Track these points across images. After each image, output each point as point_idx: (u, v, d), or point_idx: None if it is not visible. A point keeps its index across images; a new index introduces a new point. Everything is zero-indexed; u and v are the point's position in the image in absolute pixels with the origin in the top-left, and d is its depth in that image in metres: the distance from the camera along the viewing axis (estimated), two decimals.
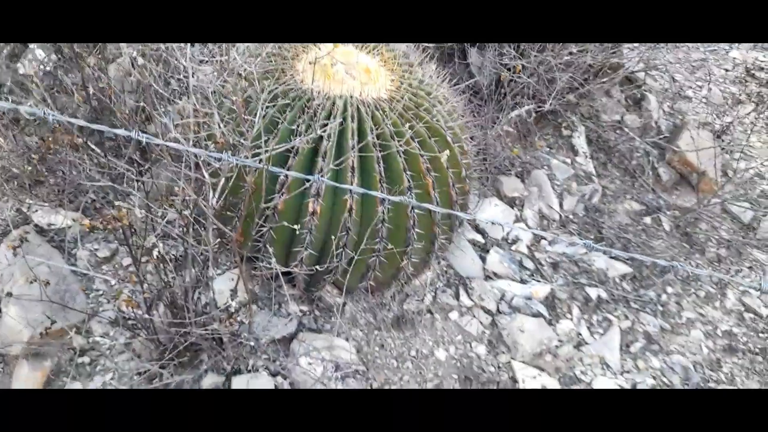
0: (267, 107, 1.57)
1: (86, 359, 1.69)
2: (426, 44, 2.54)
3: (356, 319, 1.91)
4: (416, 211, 1.67)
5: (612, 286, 2.20)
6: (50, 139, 1.54)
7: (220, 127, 1.38)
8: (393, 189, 1.60)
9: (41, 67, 2.26)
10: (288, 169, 1.56)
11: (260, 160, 1.27)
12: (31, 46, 2.29)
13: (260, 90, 1.49)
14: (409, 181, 1.64)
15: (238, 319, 1.81)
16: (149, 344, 1.68)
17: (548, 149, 2.68)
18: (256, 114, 1.34)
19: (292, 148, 1.52)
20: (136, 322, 1.71)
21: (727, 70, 3.40)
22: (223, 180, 1.36)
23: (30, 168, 1.81)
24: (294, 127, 1.57)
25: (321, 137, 1.58)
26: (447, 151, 1.61)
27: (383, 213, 1.63)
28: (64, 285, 1.79)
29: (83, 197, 2.01)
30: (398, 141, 1.62)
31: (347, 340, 1.85)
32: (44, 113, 1.19)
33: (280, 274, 1.69)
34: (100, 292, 1.84)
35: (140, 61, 1.93)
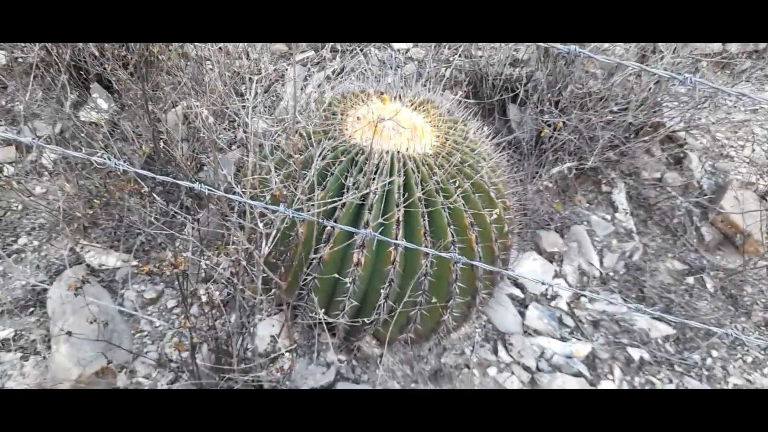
0: (319, 160, 1.63)
1: None
2: (468, 101, 2.61)
3: (394, 371, 1.91)
4: (459, 265, 1.68)
5: (654, 348, 2.15)
6: (114, 185, 1.62)
7: (275, 181, 1.43)
8: (437, 243, 1.62)
9: (102, 114, 2.38)
10: (335, 221, 1.61)
11: (313, 213, 1.31)
12: (94, 95, 2.42)
13: (314, 144, 1.55)
14: (452, 235, 1.66)
15: (279, 365, 1.83)
16: (191, 388, 1.70)
17: (588, 205, 2.67)
18: (309, 169, 1.39)
19: (341, 201, 1.57)
20: (179, 365, 1.74)
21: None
22: (275, 231, 1.40)
23: (91, 211, 1.90)
24: (343, 181, 1.61)
25: (368, 192, 1.63)
26: (496, 210, 1.64)
27: (426, 266, 1.64)
28: (112, 325, 1.84)
29: (134, 240, 2.08)
30: (444, 196, 1.65)
31: None
32: (115, 164, 1.26)
33: (323, 322, 1.71)
34: (145, 333, 1.88)
35: (204, 112, 2.03)
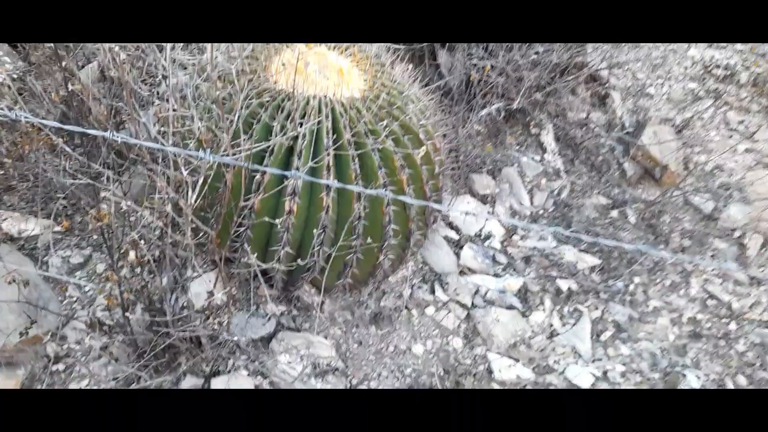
0: (243, 107, 1.58)
1: (60, 366, 1.67)
2: (396, 45, 2.58)
3: (334, 317, 1.93)
4: (392, 207, 1.70)
5: (582, 278, 2.27)
6: (24, 141, 1.52)
7: (198, 126, 1.39)
8: (369, 186, 1.62)
9: (9, 74, 2.22)
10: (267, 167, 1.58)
11: (239, 159, 1.28)
12: None
13: (237, 91, 1.50)
14: (383, 178, 1.67)
15: (216, 320, 1.81)
16: (126, 348, 1.67)
17: (518, 147, 2.74)
18: (233, 114, 1.35)
19: (268, 147, 1.54)
20: (113, 325, 1.69)
21: (686, 68, 3.52)
22: (201, 178, 1.36)
23: (1, 172, 1.78)
24: (271, 125, 1.58)
25: (296, 137, 1.61)
26: (423, 148, 1.65)
27: (359, 210, 1.65)
28: (37, 293, 1.76)
29: (54, 204, 1.98)
30: (373, 139, 1.65)
31: (326, 337, 1.87)
32: (16, 115, 1.18)
33: (259, 274, 1.70)
34: (74, 299, 1.82)
35: (122, 56, 1.91)
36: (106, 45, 2.15)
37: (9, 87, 1.71)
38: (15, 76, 2.25)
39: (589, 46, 2.86)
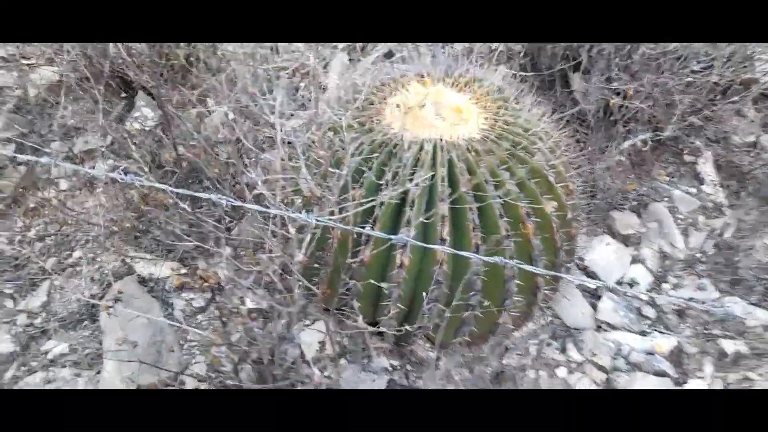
0: (352, 155, 1.50)
1: None
2: (524, 74, 2.39)
3: (451, 375, 1.76)
4: (515, 260, 1.51)
5: (752, 338, 1.88)
6: (148, 195, 1.58)
7: (307, 180, 1.32)
8: (488, 239, 1.46)
9: (143, 125, 2.37)
10: (374, 221, 1.48)
11: (343, 219, 1.19)
12: (139, 103, 2.42)
13: (347, 140, 1.42)
14: (506, 229, 1.49)
15: (325, 374, 1.74)
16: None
17: (668, 179, 2.39)
18: (342, 167, 1.27)
19: (377, 202, 1.43)
20: (223, 378, 1.68)
21: None
22: (309, 236, 1.29)
23: (137, 222, 1.88)
24: (379, 176, 1.48)
25: (407, 188, 1.49)
26: (554, 202, 1.45)
27: (477, 265, 1.48)
28: (161, 336, 1.82)
29: (179, 249, 2.05)
30: (494, 185, 1.48)
31: None
32: (131, 179, 1.19)
33: (368, 328, 1.60)
34: (194, 343, 1.84)
35: (230, 116, 1.96)
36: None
37: (137, 145, 1.79)
38: (148, 127, 2.39)
39: (759, 59, 2.44)
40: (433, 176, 1.48)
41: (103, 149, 2.38)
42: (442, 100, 1.67)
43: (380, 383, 1.69)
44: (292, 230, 1.28)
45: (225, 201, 1.15)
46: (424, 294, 1.46)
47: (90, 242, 2.15)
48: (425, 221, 1.42)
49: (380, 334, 1.70)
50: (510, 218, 1.49)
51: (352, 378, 1.71)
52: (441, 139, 1.55)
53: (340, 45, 2.74)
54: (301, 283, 1.35)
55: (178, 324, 1.79)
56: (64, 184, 2.35)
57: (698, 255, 2.15)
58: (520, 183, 1.52)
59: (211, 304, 1.90)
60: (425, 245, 1.17)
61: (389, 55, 2.73)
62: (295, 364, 1.57)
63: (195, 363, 1.77)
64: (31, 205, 2.29)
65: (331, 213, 1.20)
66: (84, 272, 2.05)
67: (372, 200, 1.33)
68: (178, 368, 1.74)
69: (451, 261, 1.49)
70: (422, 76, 1.77)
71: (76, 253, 2.11)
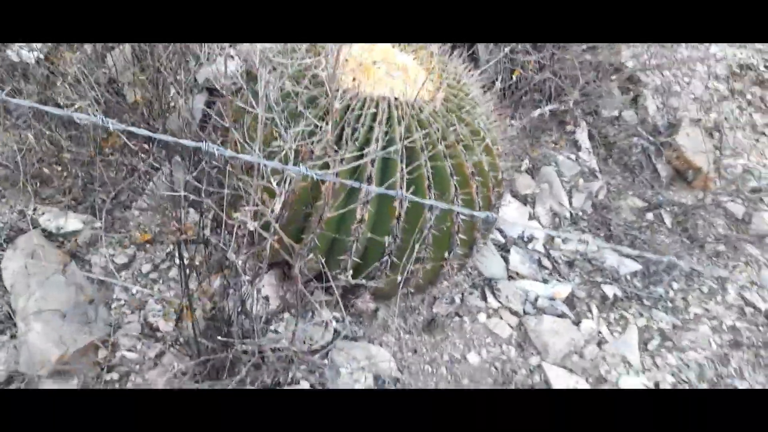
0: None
1: (114, 375, 1.59)
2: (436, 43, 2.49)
3: (388, 324, 1.88)
4: (461, 217, 1.65)
5: (624, 284, 2.26)
6: (106, 142, 1.42)
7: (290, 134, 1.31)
8: (443, 196, 1.57)
9: (34, 53, 2.07)
10: (336, 176, 1.50)
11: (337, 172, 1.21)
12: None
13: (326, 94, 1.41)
14: (455, 187, 1.61)
15: (271, 328, 1.75)
16: (183, 357, 1.60)
17: (553, 145, 2.70)
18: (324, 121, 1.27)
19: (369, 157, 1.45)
20: (165, 335, 1.62)
21: (709, 66, 3.51)
22: (285, 189, 1.28)
23: (59, 168, 1.67)
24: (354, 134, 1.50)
25: (367, 141, 1.53)
26: (492, 162, 1.60)
27: (430, 220, 1.59)
28: (83, 295, 1.67)
29: (92, 197, 1.88)
30: (444, 145, 1.58)
31: (381, 346, 1.82)
32: (102, 121, 1.08)
33: (316, 281, 1.64)
34: (122, 302, 1.73)
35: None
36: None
37: (73, 81, 1.58)
38: (42, 56, 2.10)
39: (624, 47, 2.82)
40: (390, 129, 1.53)
41: None
42: (390, 59, 1.72)
43: (328, 336, 1.75)
44: (274, 183, 1.27)
45: (217, 150, 1.10)
46: (384, 246, 1.53)
47: None
48: (385, 178, 1.48)
49: (328, 289, 1.75)
50: (459, 177, 1.61)
51: (299, 332, 1.74)
52: (396, 98, 1.61)
53: None
54: (276, 237, 1.35)
55: (103, 278, 1.66)
56: None
57: (580, 213, 2.49)
58: (465, 144, 1.64)
59: (141, 252, 1.78)
60: (422, 200, 1.22)
61: None
62: (246, 320, 1.57)
63: (128, 323, 1.67)
64: None
65: (325, 166, 1.22)
66: None
67: (360, 155, 1.36)
68: (107, 328, 1.63)
69: (406, 217, 1.58)
70: None
71: None
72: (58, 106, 1.89)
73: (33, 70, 2.01)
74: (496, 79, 2.46)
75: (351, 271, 1.60)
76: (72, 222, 1.81)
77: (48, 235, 1.80)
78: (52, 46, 2.12)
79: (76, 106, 1.42)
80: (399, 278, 1.62)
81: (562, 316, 2.03)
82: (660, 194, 2.70)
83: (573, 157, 2.69)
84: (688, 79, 3.32)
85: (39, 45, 2.09)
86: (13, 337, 1.56)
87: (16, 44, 2.09)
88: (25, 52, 2.05)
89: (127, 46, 2.16)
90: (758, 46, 3.71)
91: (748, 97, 3.26)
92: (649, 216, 2.59)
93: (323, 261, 1.56)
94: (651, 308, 2.21)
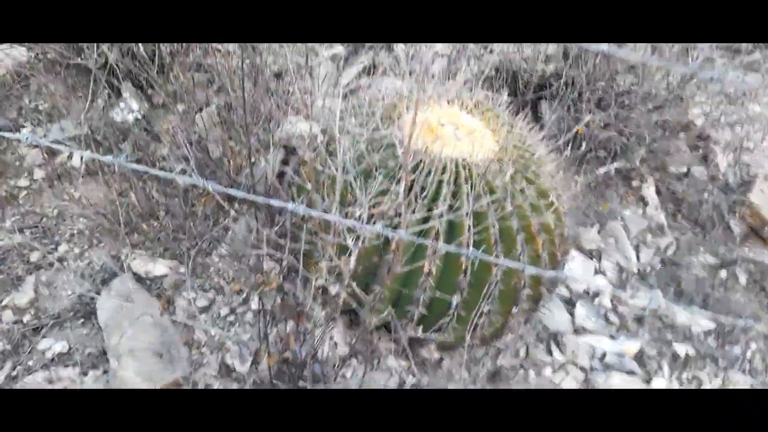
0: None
1: None
2: (502, 97, 2.59)
3: (452, 374, 1.91)
4: (527, 272, 1.68)
5: (697, 343, 2.19)
6: (203, 200, 1.58)
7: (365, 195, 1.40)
8: (510, 253, 1.62)
9: (133, 115, 2.31)
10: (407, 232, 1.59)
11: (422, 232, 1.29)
12: (125, 94, 2.35)
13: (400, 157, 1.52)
14: (522, 244, 1.65)
15: (341, 373, 1.82)
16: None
17: (619, 200, 2.69)
18: (398, 184, 1.37)
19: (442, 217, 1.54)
20: (243, 376, 1.72)
21: None
22: (359, 246, 1.38)
23: (155, 221, 1.85)
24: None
25: (435, 200, 1.61)
26: (557, 220, 1.64)
27: (497, 275, 1.64)
28: (166, 336, 1.81)
29: (178, 246, 2.04)
30: (511, 203, 1.64)
31: None
32: (204, 184, 1.22)
33: (384, 329, 1.70)
34: (202, 343, 1.85)
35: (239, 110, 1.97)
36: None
37: (175, 143, 1.77)
38: (140, 116, 2.34)
39: (692, 104, 2.81)
40: (458, 189, 1.61)
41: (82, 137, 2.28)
42: (457, 122, 1.81)
43: (393, 383, 1.80)
44: (349, 240, 1.36)
45: (303, 210, 1.21)
46: (449, 299, 1.59)
47: (76, 236, 2.07)
48: (453, 235, 1.55)
49: (395, 337, 1.81)
50: (525, 233, 1.66)
51: (366, 378, 1.80)
52: (463, 159, 1.69)
53: (325, 53, 2.81)
54: (349, 289, 1.43)
55: (185, 321, 1.79)
56: (39, 173, 2.24)
57: (648, 269, 2.46)
58: (532, 203, 1.69)
59: (220, 295, 1.91)
60: (489, 258, 1.28)
61: (371, 68, 2.84)
62: (318, 366, 1.65)
63: (206, 363, 1.78)
64: (2, 193, 2.16)
65: (396, 226, 1.30)
66: (72, 267, 1.97)
67: (429, 215, 1.44)
68: (189, 368, 1.74)
69: (473, 271, 1.63)
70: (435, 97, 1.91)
71: (62, 248, 2.03)
72: (153, 163, 2.10)
73: (132, 129, 2.23)
74: (560, 138, 2.51)
75: (418, 324, 1.66)
76: (159, 267, 1.97)
77: (138, 278, 1.97)
78: (148, 107, 2.35)
79: (179, 169, 1.58)
80: (465, 331, 1.67)
81: (631, 373, 1.99)
82: (734, 251, 2.62)
83: (640, 212, 2.68)
84: (761, 134, 3.24)
85: (137, 107, 2.32)
86: (105, 372, 1.70)
87: (120, 104, 2.33)
88: (126, 113, 2.28)
89: (214, 108, 2.36)
90: None
91: None
92: (723, 274, 2.52)
93: (392, 312, 1.63)
94: (727, 369, 2.13)
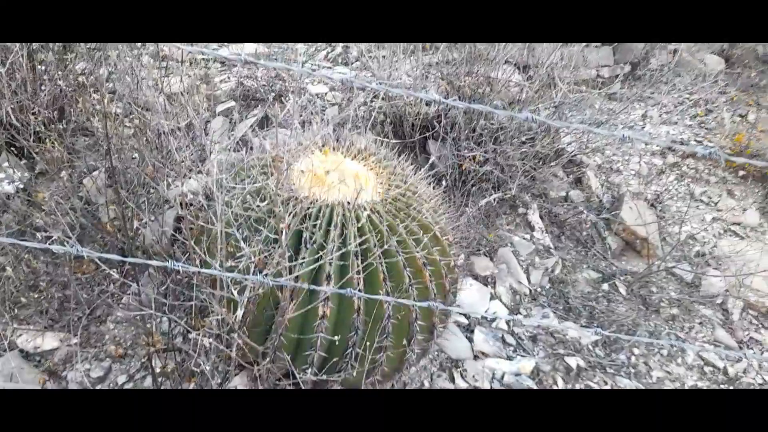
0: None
1: None
2: (388, 140, 2.73)
3: None
4: (417, 305, 1.77)
5: (587, 354, 2.36)
6: (82, 269, 1.54)
7: (248, 248, 1.44)
8: (399, 287, 1.70)
9: (14, 185, 2.23)
10: (296, 279, 1.63)
11: (296, 278, 1.34)
12: (4, 164, 2.26)
13: (279, 208, 1.57)
14: (409, 277, 1.74)
15: None
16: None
17: (508, 228, 2.88)
18: (281, 233, 1.42)
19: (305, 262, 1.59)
20: None
21: (645, 144, 3.82)
22: (246, 297, 1.41)
23: (37, 294, 1.78)
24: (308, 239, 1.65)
25: (323, 245, 1.68)
26: (442, 253, 1.75)
27: (389, 310, 1.71)
28: None
29: (69, 317, 1.96)
30: (396, 241, 1.74)
31: None
32: (78, 251, 1.21)
33: (284, 379, 1.72)
34: None
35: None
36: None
37: (46, 211, 1.73)
38: (21, 187, 2.26)
39: (563, 132, 3.09)
40: (344, 231, 1.69)
41: None
42: (342, 168, 1.90)
43: None
44: (235, 292, 1.39)
45: (181, 267, 1.23)
46: (347, 339, 1.64)
47: None
48: (343, 275, 1.61)
49: (297, 385, 1.82)
50: (412, 268, 1.75)
51: None
52: (348, 202, 1.77)
53: (218, 108, 2.85)
54: (240, 341, 1.45)
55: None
56: None
57: (538, 289, 2.63)
58: (416, 239, 1.79)
59: (116, 363, 1.85)
60: (371, 296, 1.36)
61: (264, 121, 2.91)
62: None
63: None
64: None
65: (279, 274, 1.35)
66: None
67: (318, 258, 1.49)
68: None
69: (365, 308, 1.70)
70: (322, 145, 2.00)
71: None
72: (33, 234, 2.03)
73: (11, 201, 2.15)
74: (446, 175, 2.67)
75: (316, 368, 1.69)
76: (48, 341, 1.89)
77: (26, 355, 1.87)
78: (28, 178, 2.28)
79: (54, 238, 1.55)
80: (364, 369, 1.72)
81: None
82: (612, 265, 2.87)
83: (528, 237, 2.87)
84: (627, 157, 3.60)
85: (17, 178, 2.24)
86: None
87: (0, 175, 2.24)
88: (6, 185, 2.20)
89: (100, 173, 2.33)
90: (687, 122, 4.06)
91: (683, 168, 3.54)
92: (605, 287, 2.74)
93: (290, 359, 1.65)
94: (614, 375, 2.30)
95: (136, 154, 2.14)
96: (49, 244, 1.24)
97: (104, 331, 1.98)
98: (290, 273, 1.40)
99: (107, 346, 1.93)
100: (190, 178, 2.07)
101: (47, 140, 1.99)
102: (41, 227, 2.03)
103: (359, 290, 1.66)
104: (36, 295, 1.81)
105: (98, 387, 1.84)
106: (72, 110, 2.33)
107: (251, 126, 2.78)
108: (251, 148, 2.29)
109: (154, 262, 1.25)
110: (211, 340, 1.37)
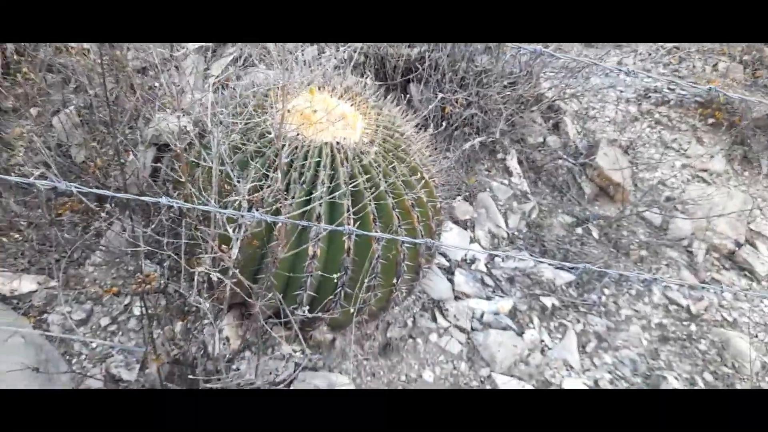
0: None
1: None
2: (369, 82, 2.68)
3: (346, 352, 1.99)
4: (406, 245, 1.79)
5: (561, 294, 2.45)
6: (66, 207, 1.49)
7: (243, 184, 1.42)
8: (388, 228, 1.71)
9: None
10: (302, 216, 1.62)
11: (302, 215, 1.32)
12: None
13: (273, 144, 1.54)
14: (398, 219, 1.75)
15: (233, 366, 1.83)
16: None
17: (487, 172, 2.91)
18: (273, 170, 1.39)
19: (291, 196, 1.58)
20: (134, 382, 1.67)
21: (621, 91, 3.85)
22: (241, 235, 1.39)
23: (17, 235, 1.72)
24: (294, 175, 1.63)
25: (314, 184, 1.67)
26: (429, 194, 1.76)
27: (378, 250, 1.73)
28: (43, 354, 1.71)
29: (45, 259, 1.92)
30: (385, 181, 1.73)
31: (340, 373, 1.92)
32: (66, 186, 1.17)
33: (274, 317, 1.74)
34: (83, 356, 1.77)
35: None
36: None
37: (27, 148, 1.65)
38: None
39: (542, 77, 3.09)
40: (335, 172, 1.67)
41: None
42: (329, 108, 1.87)
43: (289, 368, 1.84)
44: (230, 230, 1.38)
45: (176, 204, 1.20)
46: (335, 279, 1.65)
47: None
48: (334, 217, 1.61)
49: (286, 323, 1.84)
50: (400, 209, 1.76)
51: (261, 367, 1.82)
52: (337, 143, 1.75)
53: (190, 46, 2.73)
54: (234, 280, 1.45)
55: (62, 335, 1.70)
56: None
57: (516, 233, 2.69)
58: (405, 180, 1.80)
59: (98, 306, 1.83)
60: (368, 233, 1.36)
61: (238, 59, 2.80)
62: (210, 362, 1.65)
63: (90, 376, 1.70)
64: None
65: (277, 211, 1.34)
66: None
67: (308, 199, 1.48)
68: (72, 383, 1.66)
69: (355, 249, 1.71)
70: (307, 84, 1.94)
71: None
72: (8, 172, 1.95)
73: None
74: (429, 118, 2.65)
75: (307, 306, 1.71)
76: (26, 284, 1.85)
77: (3, 298, 1.83)
78: None
79: (37, 174, 1.49)
80: (352, 308, 1.74)
81: (506, 328, 2.19)
82: (586, 209, 2.94)
83: (506, 182, 2.91)
84: (602, 104, 3.63)
85: None
86: None
87: None
88: None
89: (73, 109, 2.23)
90: (661, 70, 4.11)
91: (656, 116, 3.60)
92: (579, 230, 2.82)
93: (281, 298, 1.66)
94: (586, 314, 2.40)
95: (114, 92, 2.05)
96: (34, 179, 1.19)
97: (83, 274, 1.94)
98: (280, 213, 1.39)
99: (88, 289, 1.90)
100: (171, 114, 2.00)
101: (17, 74, 1.88)
102: (13, 166, 1.95)
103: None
104: (16, 236, 1.75)
105: (81, 330, 1.82)
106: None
107: (227, 65, 2.69)
108: (230, 86, 2.22)
109: (147, 198, 1.22)
110: (212, 275, 1.35)
